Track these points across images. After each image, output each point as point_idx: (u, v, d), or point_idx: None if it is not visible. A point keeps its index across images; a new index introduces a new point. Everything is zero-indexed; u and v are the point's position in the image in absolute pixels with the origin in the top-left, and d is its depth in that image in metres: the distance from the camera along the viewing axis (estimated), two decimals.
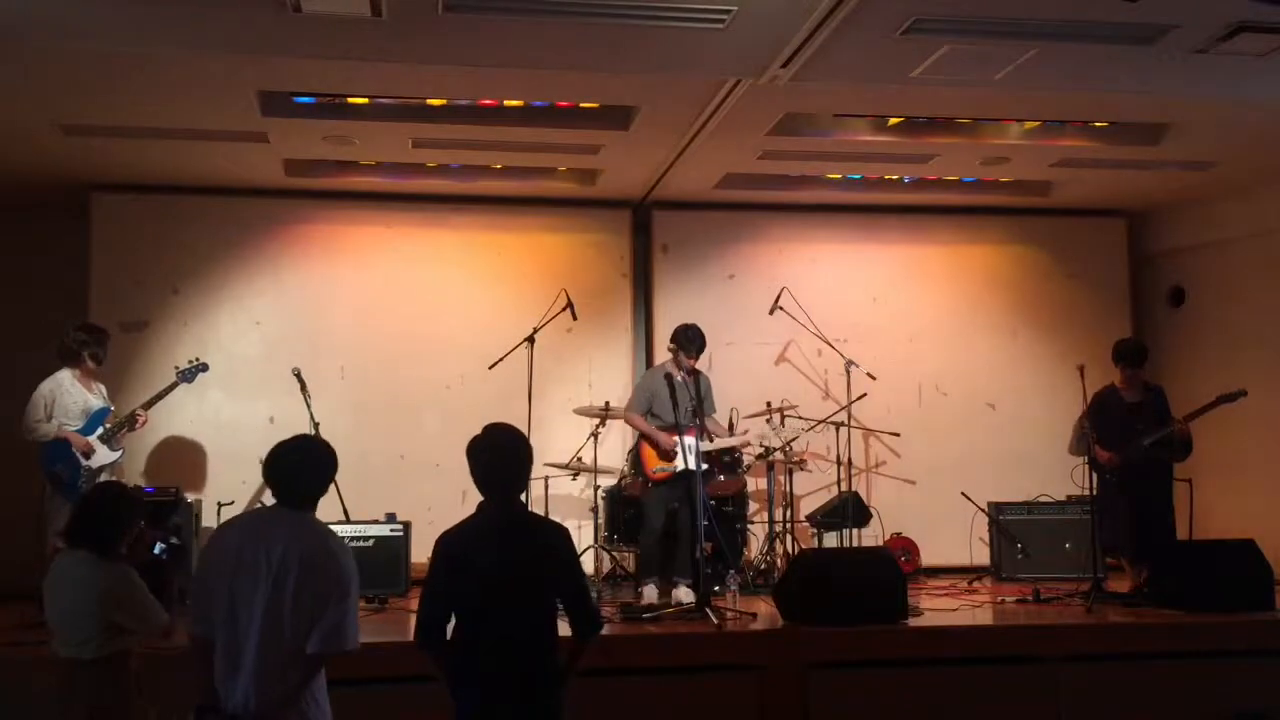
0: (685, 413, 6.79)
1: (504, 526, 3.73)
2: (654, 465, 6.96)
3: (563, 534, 3.84)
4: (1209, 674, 5.89)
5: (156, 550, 4.00)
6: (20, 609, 6.41)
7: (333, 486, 6.82)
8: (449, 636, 3.70)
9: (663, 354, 7.40)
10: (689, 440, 6.75)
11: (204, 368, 7.29)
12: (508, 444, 3.81)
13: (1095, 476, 7.02)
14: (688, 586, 6.75)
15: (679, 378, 6.91)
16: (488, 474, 3.76)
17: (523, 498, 3.96)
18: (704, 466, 6.81)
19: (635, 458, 7.28)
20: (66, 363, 6.67)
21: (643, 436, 7.04)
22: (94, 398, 6.71)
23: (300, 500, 3.72)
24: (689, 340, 6.93)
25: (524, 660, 3.63)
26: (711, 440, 7.07)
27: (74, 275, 8.15)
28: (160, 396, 7.02)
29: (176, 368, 7.23)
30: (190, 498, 7.66)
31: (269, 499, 3.81)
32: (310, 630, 3.50)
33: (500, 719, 3.62)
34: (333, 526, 7.27)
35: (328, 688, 3.72)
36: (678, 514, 6.91)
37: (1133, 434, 6.97)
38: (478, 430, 3.87)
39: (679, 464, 6.80)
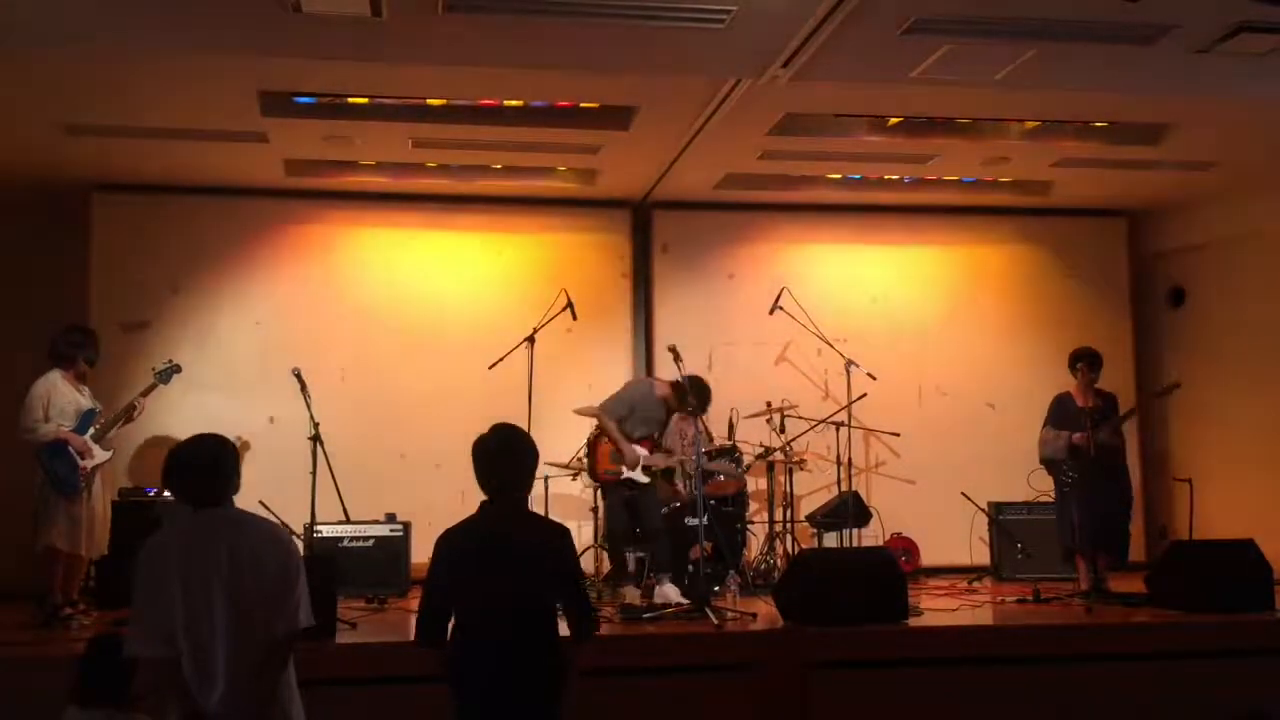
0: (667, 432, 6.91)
1: (503, 526, 3.74)
2: (605, 466, 7.00)
3: (563, 534, 3.84)
4: (1209, 674, 5.87)
5: None
6: (18, 609, 6.43)
7: (333, 486, 6.94)
8: (449, 635, 3.70)
9: (662, 354, 7.37)
10: (643, 451, 6.90)
11: (177, 369, 7.27)
12: (511, 444, 3.82)
13: (1053, 480, 7.18)
14: (670, 583, 6.77)
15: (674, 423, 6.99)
16: (490, 473, 3.77)
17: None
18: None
19: (590, 452, 7.27)
20: (58, 364, 6.65)
21: (605, 436, 7.03)
22: (83, 398, 6.70)
23: (221, 499, 3.70)
24: (699, 397, 6.87)
25: (523, 660, 3.63)
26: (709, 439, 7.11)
27: (74, 275, 8.15)
28: (141, 396, 7.00)
29: (153, 369, 7.23)
30: None
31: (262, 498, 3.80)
32: (276, 616, 3.55)
33: (500, 718, 3.62)
34: (333, 527, 7.41)
35: (327, 687, 3.73)
36: (641, 513, 6.95)
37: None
38: (478, 430, 3.88)
39: (625, 471, 6.88)
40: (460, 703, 3.65)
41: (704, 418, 7.16)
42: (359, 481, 7.42)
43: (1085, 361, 7.25)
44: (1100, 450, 6.94)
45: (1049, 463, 7.25)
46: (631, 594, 6.84)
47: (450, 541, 3.73)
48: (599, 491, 7.81)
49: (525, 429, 3.98)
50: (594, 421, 7.14)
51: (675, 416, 7.33)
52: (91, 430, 6.60)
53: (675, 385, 6.95)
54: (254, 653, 3.52)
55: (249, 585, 3.53)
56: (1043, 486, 7.84)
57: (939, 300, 9.28)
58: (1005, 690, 5.77)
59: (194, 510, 3.65)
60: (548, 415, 7.56)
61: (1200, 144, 7.59)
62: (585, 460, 7.34)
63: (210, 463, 3.69)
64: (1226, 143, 7.55)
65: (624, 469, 6.92)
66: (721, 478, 7.76)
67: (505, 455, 3.80)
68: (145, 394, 7.01)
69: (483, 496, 3.81)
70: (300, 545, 6.80)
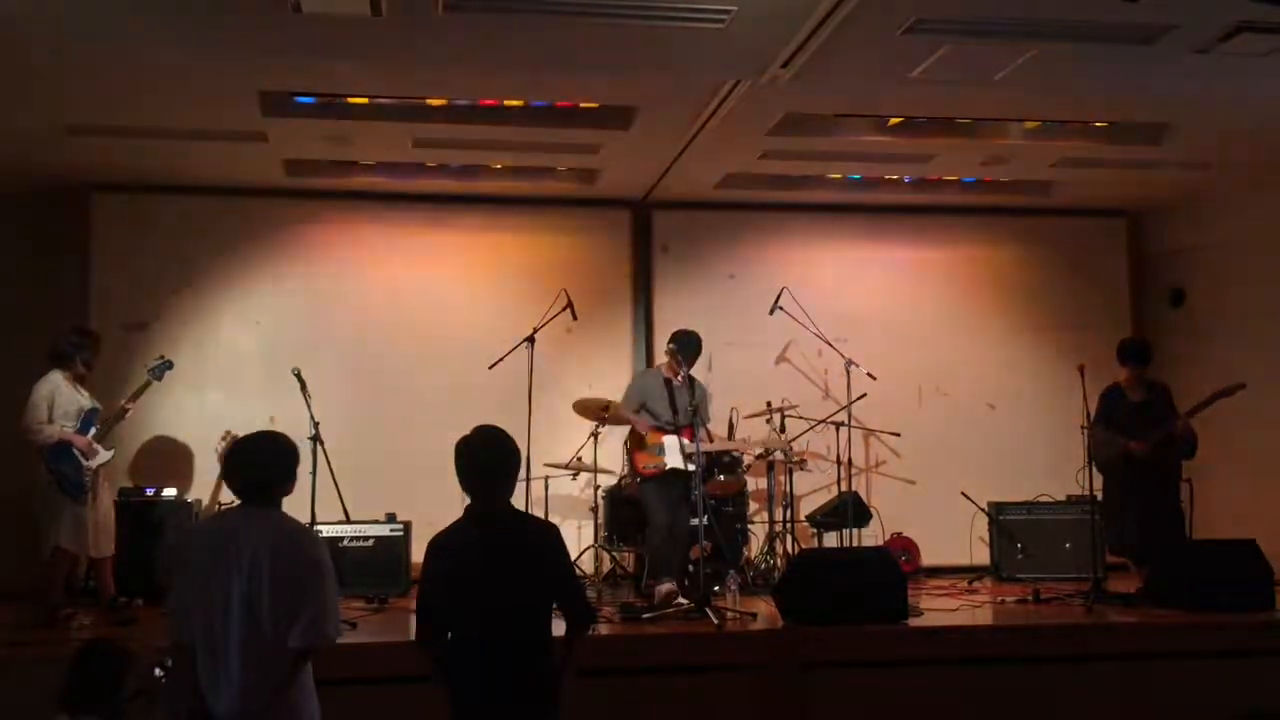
0: (684, 413, 6.81)
1: (492, 527, 3.74)
2: (644, 462, 6.97)
3: (551, 531, 3.86)
4: (1209, 674, 5.88)
5: (157, 673, 3.93)
6: (18, 608, 6.43)
7: (333, 486, 6.93)
8: (448, 636, 3.70)
9: (663, 353, 7.39)
10: (684, 440, 6.79)
11: (169, 364, 7.27)
12: (493, 446, 3.82)
13: (1103, 479, 7.04)
14: (670, 583, 6.74)
15: (676, 382, 6.93)
16: (474, 476, 3.77)
17: (514, 499, 3.96)
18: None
19: (629, 456, 7.27)
20: (57, 364, 6.64)
21: (632, 435, 7.03)
22: (83, 398, 6.69)
23: (266, 498, 3.71)
24: (684, 346, 6.92)
25: (519, 659, 3.63)
26: (711, 439, 7.08)
27: (74, 275, 8.15)
28: (136, 396, 7.00)
29: (146, 366, 7.24)
30: (190, 498, 7.67)
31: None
32: (291, 625, 3.51)
33: (496, 718, 3.63)
34: (333, 527, 7.40)
35: (326, 687, 3.72)
36: (675, 513, 6.91)
37: (1138, 432, 6.92)
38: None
39: (667, 462, 6.83)
40: (457, 703, 3.65)
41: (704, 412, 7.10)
42: (359, 481, 7.42)
43: (1133, 358, 7.11)
44: (1157, 456, 6.82)
45: (1102, 465, 7.06)
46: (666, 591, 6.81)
47: (440, 547, 3.75)
48: (599, 492, 7.83)
49: (524, 428, 3.99)
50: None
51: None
52: (94, 430, 6.59)
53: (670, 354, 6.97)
54: (265, 658, 3.50)
55: (261, 589, 3.51)
56: (1053, 486, 7.79)
57: (939, 300, 9.27)
58: (1005, 690, 5.77)
59: (240, 506, 3.71)
60: (548, 415, 7.57)
61: (1200, 144, 7.59)
62: (626, 462, 7.28)
63: (254, 462, 3.71)
64: (1226, 143, 7.55)
65: (665, 461, 6.86)
66: (722, 477, 7.76)
67: (485, 457, 3.78)
68: (139, 393, 6.99)
69: None
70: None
